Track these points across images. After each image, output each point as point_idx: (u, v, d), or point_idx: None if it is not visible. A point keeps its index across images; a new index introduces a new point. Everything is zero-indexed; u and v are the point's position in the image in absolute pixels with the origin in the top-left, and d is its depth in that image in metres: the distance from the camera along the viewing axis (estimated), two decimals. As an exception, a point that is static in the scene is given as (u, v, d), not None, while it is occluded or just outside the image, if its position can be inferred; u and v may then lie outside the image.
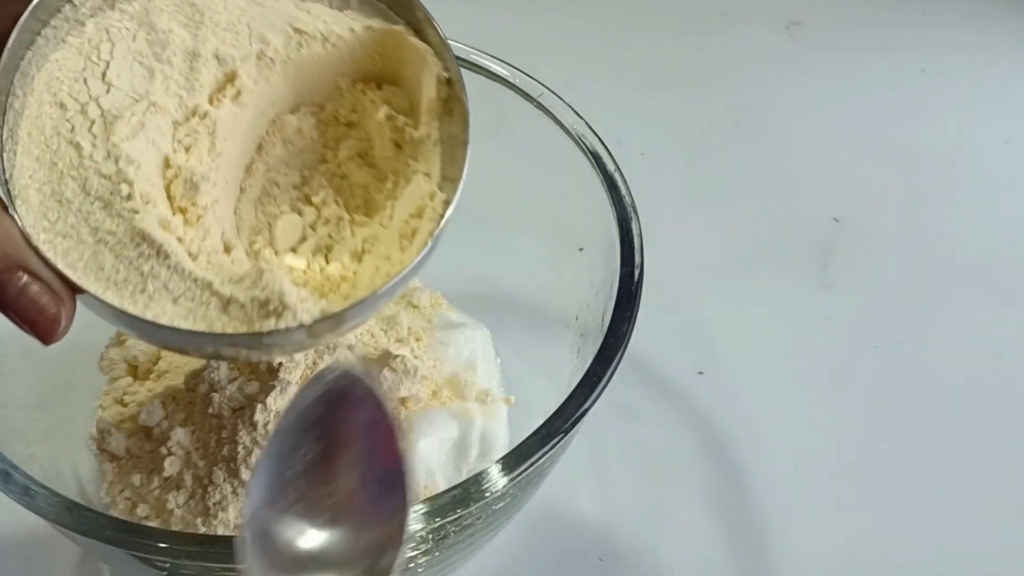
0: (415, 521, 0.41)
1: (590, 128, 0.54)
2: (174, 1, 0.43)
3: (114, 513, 0.51)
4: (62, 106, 0.40)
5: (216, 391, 0.52)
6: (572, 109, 0.54)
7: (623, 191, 0.51)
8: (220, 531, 0.48)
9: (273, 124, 0.45)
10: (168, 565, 0.42)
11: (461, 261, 0.62)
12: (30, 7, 0.39)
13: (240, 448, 0.49)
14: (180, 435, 0.51)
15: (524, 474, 0.42)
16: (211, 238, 0.40)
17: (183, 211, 0.40)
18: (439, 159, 0.42)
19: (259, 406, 0.49)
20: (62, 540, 0.52)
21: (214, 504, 0.49)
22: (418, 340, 0.56)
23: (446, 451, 0.53)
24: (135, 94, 0.41)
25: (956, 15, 0.85)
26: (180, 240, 0.39)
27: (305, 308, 0.38)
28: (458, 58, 0.54)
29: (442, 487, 0.49)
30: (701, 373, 0.63)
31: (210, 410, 0.51)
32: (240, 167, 0.44)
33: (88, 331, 0.57)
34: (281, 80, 0.44)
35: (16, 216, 0.37)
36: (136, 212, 0.38)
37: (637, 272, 0.48)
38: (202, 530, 0.48)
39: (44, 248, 0.37)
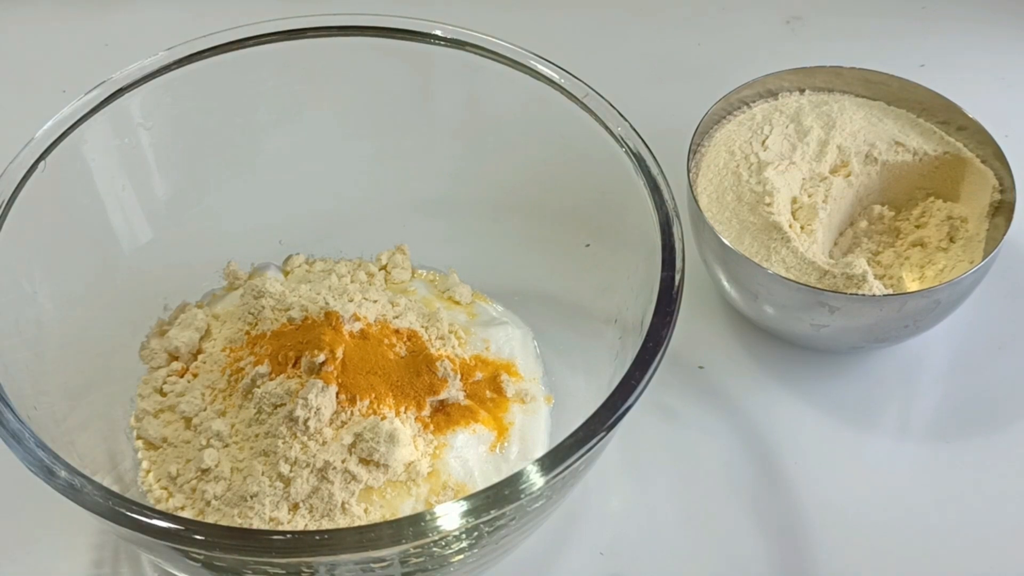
0: (453, 520, 0.41)
1: (634, 130, 0.53)
2: (817, 112, 0.65)
3: (150, 501, 0.51)
4: (731, 152, 0.64)
5: (257, 386, 0.52)
6: (616, 111, 0.54)
7: (666, 195, 0.51)
8: (256, 524, 0.48)
9: (864, 209, 0.64)
10: (203, 556, 0.42)
11: (501, 259, 0.62)
12: None
13: (280, 442, 0.49)
14: (219, 426, 0.51)
15: (561, 475, 0.42)
16: (816, 245, 0.60)
17: (802, 228, 0.61)
18: (982, 252, 0.60)
19: (300, 402, 0.50)
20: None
21: (251, 496, 0.49)
22: (459, 338, 0.56)
23: (484, 450, 0.53)
24: (781, 155, 0.63)
25: (957, 10, 0.85)
26: (796, 237, 0.59)
27: (877, 284, 0.57)
28: (504, 57, 0.56)
29: (480, 486, 0.49)
30: (702, 367, 0.62)
31: (250, 403, 0.52)
32: (837, 227, 0.64)
33: (128, 320, 0.58)
34: (878, 177, 0.64)
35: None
36: (772, 213, 0.60)
37: (678, 277, 0.48)
38: (238, 522, 0.48)
39: (719, 228, 0.59)
